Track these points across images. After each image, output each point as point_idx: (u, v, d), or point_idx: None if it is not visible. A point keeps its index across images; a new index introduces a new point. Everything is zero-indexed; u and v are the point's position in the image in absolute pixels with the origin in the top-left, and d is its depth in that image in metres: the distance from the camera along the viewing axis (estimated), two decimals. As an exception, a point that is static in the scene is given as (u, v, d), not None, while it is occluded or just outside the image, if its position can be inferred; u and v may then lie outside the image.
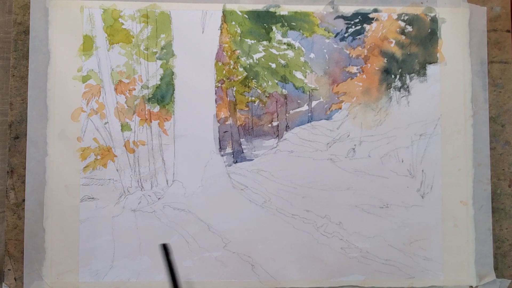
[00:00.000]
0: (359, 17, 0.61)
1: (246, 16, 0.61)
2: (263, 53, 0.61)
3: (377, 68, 0.61)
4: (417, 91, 0.61)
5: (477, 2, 0.62)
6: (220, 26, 0.61)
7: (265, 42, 0.61)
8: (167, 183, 0.60)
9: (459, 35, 0.61)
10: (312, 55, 0.61)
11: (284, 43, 0.61)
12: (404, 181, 0.60)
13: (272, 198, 0.60)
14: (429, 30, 0.61)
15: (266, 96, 0.60)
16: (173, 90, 0.60)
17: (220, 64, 0.60)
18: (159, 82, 0.60)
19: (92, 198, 0.59)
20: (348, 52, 0.61)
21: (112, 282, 0.58)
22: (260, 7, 0.61)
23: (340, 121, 0.61)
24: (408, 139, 0.61)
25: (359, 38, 0.61)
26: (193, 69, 0.60)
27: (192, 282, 0.59)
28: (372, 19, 0.61)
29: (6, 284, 0.57)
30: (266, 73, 0.61)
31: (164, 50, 0.60)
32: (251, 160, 0.60)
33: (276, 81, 0.61)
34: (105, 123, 0.59)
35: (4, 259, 0.58)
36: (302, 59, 0.61)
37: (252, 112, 0.60)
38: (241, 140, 0.60)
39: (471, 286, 0.60)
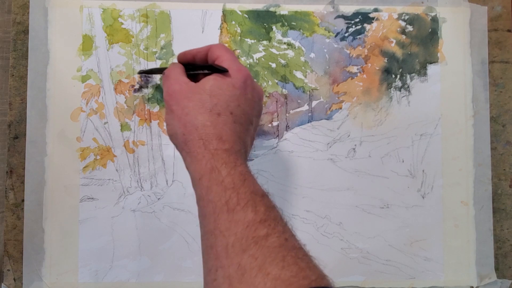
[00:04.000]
0: (360, 16, 0.61)
1: (246, 16, 0.60)
2: (263, 53, 0.60)
3: (377, 68, 0.61)
4: (418, 91, 0.61)
5: (478, 1, 0.61)
6: (220, 26, 0.60)
7: (265, 42, 0.60)
8: (167, 183, 0.59)
9: (459, 34, 0.61)
10: (312, 55, 0.61)
11: (284, 43, 0.61)
12: (404, 181, 0.60)
13: (272, 198, 0.59)
14: (430, 30, 0.61)
15: (266, 96, 0.60)
16: (173, 90, 0.59)
17: (220, 64, 0.60)
18: (158, 82, 0.60)
19: (92, 198, 0.58)
20: (348, 51, 0.61)
21: (111, 282, 0.58)
22: (260, 6, 0.61)
23: (340, 121, 0.61)
24: (408, 139, 0.60)
25: (360, 37, 0.61)
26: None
27: (192, 282, 0.58)
28: (373, 18, 0.61)
29: (6, 285, 0.57)
30: (266, 73, 0.60)
31: (164, 50, 0.60)
32: (251, 160, 0.60)
33: (276, 81, 0.60)
34: (105, 123, 0.59)
35: (3, 260, 0.58)
36: (302, 58, 0.61)
37: (252, 112, 0.60)
38: (241, 140, 0.60)
39: (472, 287, 0.60)
